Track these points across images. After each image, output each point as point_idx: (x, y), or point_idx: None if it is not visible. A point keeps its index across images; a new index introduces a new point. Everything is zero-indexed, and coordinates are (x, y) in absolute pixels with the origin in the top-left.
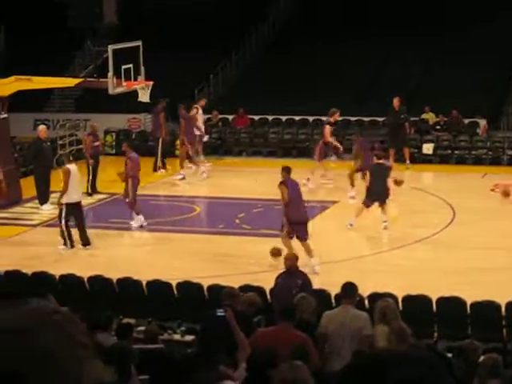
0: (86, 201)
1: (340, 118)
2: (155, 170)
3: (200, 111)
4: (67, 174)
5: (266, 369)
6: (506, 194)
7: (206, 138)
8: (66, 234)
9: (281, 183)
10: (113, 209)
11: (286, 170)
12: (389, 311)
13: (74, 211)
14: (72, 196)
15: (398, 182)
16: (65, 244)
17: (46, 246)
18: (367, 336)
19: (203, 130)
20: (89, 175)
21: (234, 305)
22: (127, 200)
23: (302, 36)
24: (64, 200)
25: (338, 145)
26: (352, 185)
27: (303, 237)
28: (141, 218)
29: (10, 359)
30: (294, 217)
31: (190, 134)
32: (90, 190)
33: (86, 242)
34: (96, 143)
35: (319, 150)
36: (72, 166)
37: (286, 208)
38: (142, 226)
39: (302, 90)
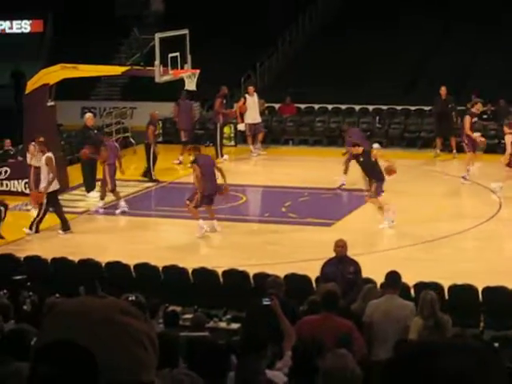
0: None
1: (385, 107)
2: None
3: (251, 99)
4: (51, 161)
5: (311, 358)
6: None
7: (241, 127)
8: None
9: (192, 162)
10: (159, 196)
11: (197, 149)
12: (425, 305)
13: (54, 199)
14: (55, 184)
15: (388, 171)
16: (31, 228)
17: (92, 233)
18: (365, 323)
19: (257, 117)
20: (149, 162)
21: (279, 293)
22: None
23: (349, 26)
24: (50, 188)
25: (481, 138)
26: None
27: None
28: (122, 203)
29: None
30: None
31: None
32: (154, 177)
33: (67, 227)
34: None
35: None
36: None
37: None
38: (124, 212)
39: (348, 78)
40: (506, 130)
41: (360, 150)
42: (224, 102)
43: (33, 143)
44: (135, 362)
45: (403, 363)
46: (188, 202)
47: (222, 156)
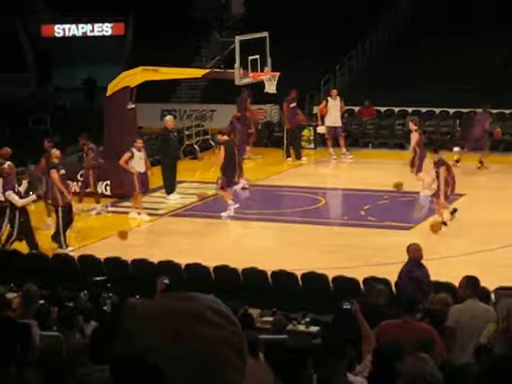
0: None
1: (466, 110)
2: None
3: (332, 102)
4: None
5: (391, 362)
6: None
7: (321, 130)
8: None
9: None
10: (239, 198)
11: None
12: (500, 311)
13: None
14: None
15: (397, 186)
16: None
17: (171, 235)
18: (449, 328)
19: (337, 121)
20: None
21: (380, 301)
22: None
23: (430, 26)
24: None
25: None
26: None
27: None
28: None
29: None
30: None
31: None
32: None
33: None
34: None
35: None
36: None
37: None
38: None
39: (428, 81)
40: None
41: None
42: (293, 105)
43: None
44: (206, 376)
45: (501, 376)
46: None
47: (299, 158)
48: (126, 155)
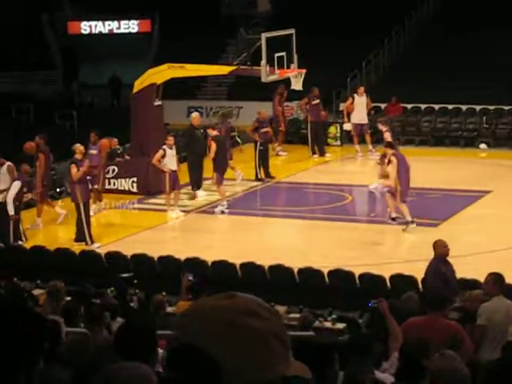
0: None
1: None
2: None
3: (359, 99)
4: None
5: (418, 359)
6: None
7: (347, 127)
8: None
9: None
10: (265, 195)
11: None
12: None
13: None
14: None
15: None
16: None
17: (198, 231)
18: (481, 326)
19: (364, 118)
20: (259, 161)
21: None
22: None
23: (456, 23)
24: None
25: None
26: None
27: None
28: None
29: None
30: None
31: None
32: (260, 176)
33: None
34: (264, 129)
35: None
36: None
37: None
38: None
39: (455, 78)
40: None
41: None
42: (316, 101)
43: None
44: (257, 362)
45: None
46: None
47: (322, 155)
48: (159, 154)
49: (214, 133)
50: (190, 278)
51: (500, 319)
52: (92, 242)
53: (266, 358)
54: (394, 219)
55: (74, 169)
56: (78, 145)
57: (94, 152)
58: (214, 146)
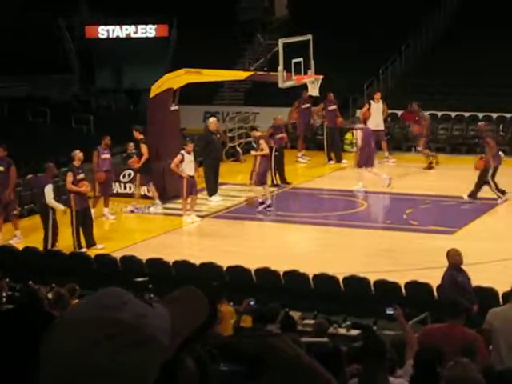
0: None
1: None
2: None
3: (375, 106)
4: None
5: (433, 366)
6: None
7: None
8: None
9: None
10: (280, 201)
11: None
12: None
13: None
14: None
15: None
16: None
17: (213, 237)
18: (485, 330)
19: (380, 124)
20: (274, 167)
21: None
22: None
23: (472, 31)
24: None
25: None
26: None
27: None
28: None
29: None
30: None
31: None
32: (276, 182)
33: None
34: (280, 135)
35: None
36: None
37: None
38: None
39: (472, 85)
40: None
41: None
42: (332, 107)
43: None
44: None
45: None
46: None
47: (339, 161)
48: (177, 159)
49: (259, 134)
50: (252, 303)
51: (498, 325)
52: (80, 247)
53: None
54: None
55: (69, 177)
56: (77, 151)
57: (107, 156)
58: (264, 145)
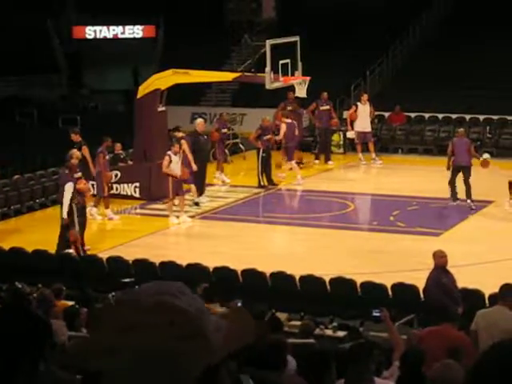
0: (244, 194)
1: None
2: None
3: (362, 107)
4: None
5: (419, 368)
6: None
7: (350, 135)
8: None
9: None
10: (267, 202)
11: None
12: None
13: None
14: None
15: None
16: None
17: (201, 238)
18: (472, 331)
19: (367, 126)
20: (261, 168)
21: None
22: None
23: (461, 35)
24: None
25: None
26: None
27: None
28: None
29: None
30: None
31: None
32: (263, 183)
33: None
34: (267, 136)
35: None
36: None
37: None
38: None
39: (459, 87)
40: None
41: None
42: (325, 107)
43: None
44: None
45: (493, 367)
46: None
47: (327, 162)
48: (166, 161)
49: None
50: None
51: (484, 326)
52: (68, 247)
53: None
54: None
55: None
56: (74, 150)
57: (107, 158)
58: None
